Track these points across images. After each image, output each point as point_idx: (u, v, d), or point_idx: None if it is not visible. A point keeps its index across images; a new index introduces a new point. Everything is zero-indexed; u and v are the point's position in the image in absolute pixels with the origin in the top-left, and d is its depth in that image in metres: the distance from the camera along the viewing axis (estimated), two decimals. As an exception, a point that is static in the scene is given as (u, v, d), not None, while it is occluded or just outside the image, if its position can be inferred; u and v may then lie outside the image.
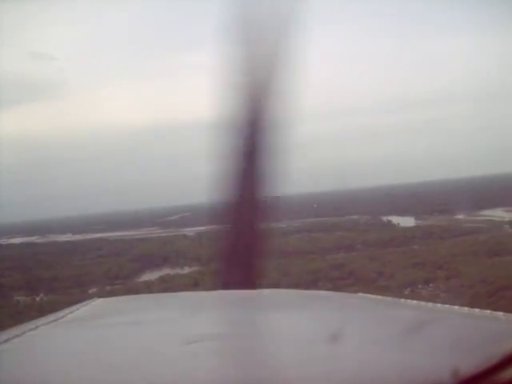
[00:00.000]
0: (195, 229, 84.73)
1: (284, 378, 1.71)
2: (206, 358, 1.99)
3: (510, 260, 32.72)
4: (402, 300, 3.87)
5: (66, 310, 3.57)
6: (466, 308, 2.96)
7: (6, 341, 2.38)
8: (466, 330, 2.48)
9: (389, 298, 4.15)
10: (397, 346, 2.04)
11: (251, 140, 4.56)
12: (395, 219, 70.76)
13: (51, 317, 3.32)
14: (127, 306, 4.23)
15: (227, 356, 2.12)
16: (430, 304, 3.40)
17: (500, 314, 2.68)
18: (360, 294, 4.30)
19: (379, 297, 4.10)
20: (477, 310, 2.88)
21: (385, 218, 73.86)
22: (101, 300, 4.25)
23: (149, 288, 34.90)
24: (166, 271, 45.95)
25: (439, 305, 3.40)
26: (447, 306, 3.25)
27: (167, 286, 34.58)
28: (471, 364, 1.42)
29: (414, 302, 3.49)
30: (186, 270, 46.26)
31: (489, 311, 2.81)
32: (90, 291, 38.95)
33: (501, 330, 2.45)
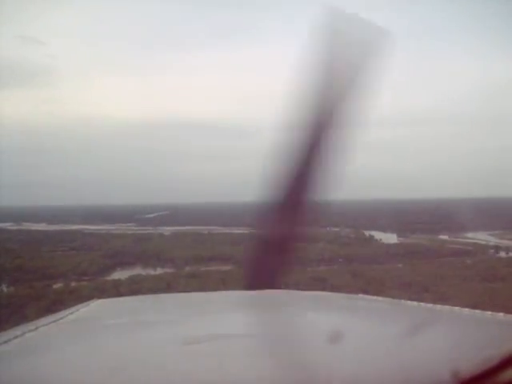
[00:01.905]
0: (172, 228, 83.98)
1: (285, 379, 1.73)
2: (207, 359, 1.97)
3: (500, 287, 31.48)
4: (402, 301, 3.74)
5: (66, 311, 3.51)
6: (467, 309, 2.93)
7: (5, 342, 2.39)
8: (466, 331, 2.48)
9: (389, 299, 4.01)
10: (397, 347, 2.06)
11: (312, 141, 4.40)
12: (377, 234, 70.36)
13: (51, 318, 3.24)
14: (127, 306, 4.09)
15: (228, 357, 2.02)
16: (429, 305, 3.33)
17: (500, 314, 2.66)
18: (360, 295, 4.18)
19: (379, 297, 4.07)
20: (477, 311, 2.86)
21: (367, 233, 73.48)
22: (100, 301, 4.12)
23: (116, 288, 32.53)
24: (138, 271, 43.76)
25: (439, 306, 3.27)
26: (447, 306, 3.16)
27: (136, 287, 32.19)
28: (471, 365, 1.42)
29: (414, 302, 3.44)
30: (159, 271, 44.01)
31: (489, 312, 2.76)
32: (55, 286, 36.79)
33: (501, 331, 2.46)
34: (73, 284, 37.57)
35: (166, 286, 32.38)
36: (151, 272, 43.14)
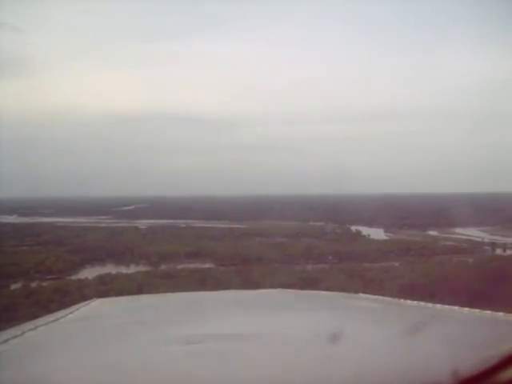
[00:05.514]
0: (149, 221, 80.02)
1: (285, 378, 1.76)
2: (206, 358, 2.02)
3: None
4: (402, 300, 4.12)
5: (66, 311, 3.89)
6: (466, 309, 3.22)
7: (5, 341, 2.57)
8: (465, 331, 2.74)
9: (389, 299, 4.45)
10: (397, 346, 2.15)
11: None
12: (364, 230, 67.52)
13: (51, 317, 3.57)
14: (126, 306, 4.46)
15: (227, 356, 2.07)
16: (429, 304, 3.65)
17: (500, 314, 2.98)
18: (360, 295, 4.77)
19: (379, 297, 4.54)
20: (476, 311, 3.18)
21: (353, 228, 70.54)
22: (100, 300, 4.69)
23: (80, 291, 28.47)
24: (108, 269, 39.68)
25: (439, 305, 3.59)
26: (447, 306, 3.49)
27: (104, 289, 28.32)
28: (471, 364, 1.42)
29: (414, 302, 3.76)
30: (131, 270, 39.95)
31: (489, 312, 3.08)
32: (13, 287, 32.70)
33: (500, 330, 2.72)
34: (33, 285, 33.50)
35: (137, 287, 28.45)
36: (123, 270, 39.09)
